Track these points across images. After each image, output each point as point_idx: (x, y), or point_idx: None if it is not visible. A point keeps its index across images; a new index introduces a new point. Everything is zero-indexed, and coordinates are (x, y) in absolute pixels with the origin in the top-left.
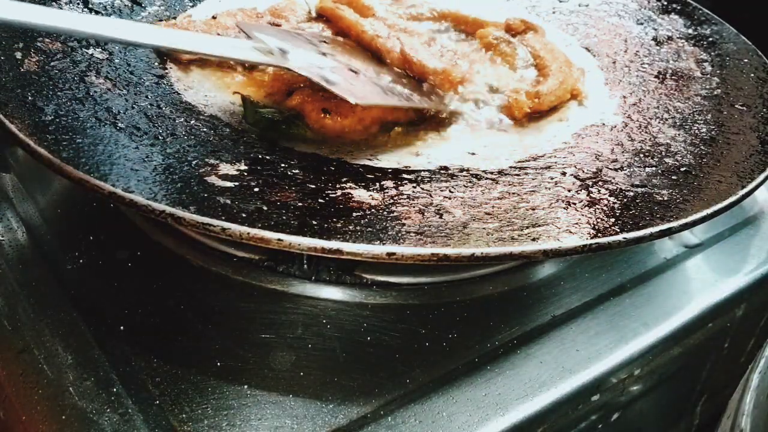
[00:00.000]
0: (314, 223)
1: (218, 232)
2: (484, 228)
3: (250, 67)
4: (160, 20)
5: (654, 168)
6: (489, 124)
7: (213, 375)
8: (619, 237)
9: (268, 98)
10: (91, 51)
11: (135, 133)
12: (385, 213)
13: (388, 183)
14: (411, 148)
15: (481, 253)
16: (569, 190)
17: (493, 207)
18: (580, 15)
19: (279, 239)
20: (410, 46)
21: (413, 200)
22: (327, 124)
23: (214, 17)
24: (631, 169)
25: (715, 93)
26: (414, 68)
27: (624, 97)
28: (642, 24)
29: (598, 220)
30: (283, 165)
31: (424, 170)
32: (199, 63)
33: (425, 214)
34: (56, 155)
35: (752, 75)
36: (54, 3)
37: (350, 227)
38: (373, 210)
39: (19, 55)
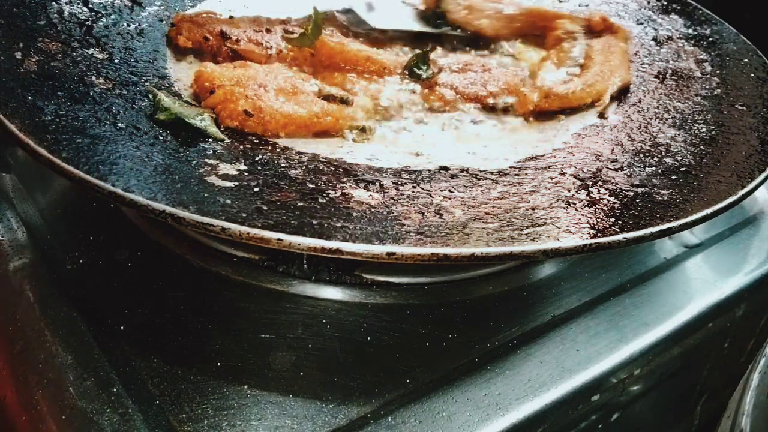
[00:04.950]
0: (314, 223)
1: (218, 232)
2: (484, 228)
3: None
4: (161, 20)
5: (654, 168)
6: (491, 123)
7: (213, 375)
8: (619, 237)
9: (193, 96)
10: (91, 51)
11: (135, 133)
12: (385, 213)
13: (388, 183)
14: (411, 147)
15: (481, 253)
16: (569, 190)
17: (493, 207)
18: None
19: (279, 239)
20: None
21: (413, 200)
22: (249, 125)
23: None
24: (631, 169)
25: (715, 93)
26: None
27: (624, 97)
28: (642, 24)
29: (598, 220)
30: (283, 165)
31: (424, 170)
32: (198, 60)
33: (425, 214)
34: (56, 155)
35: (752, 75)
36: (54, 2)
37: (350, 227)
38: (373, 210)
39: (19, 55)
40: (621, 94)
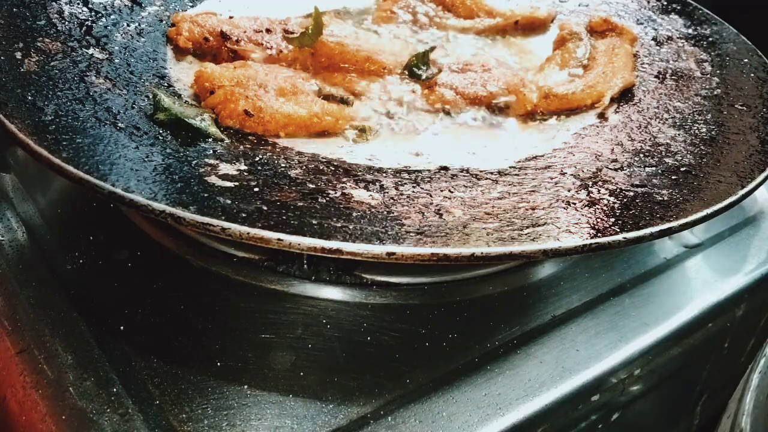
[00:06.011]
0: (314, 223)
1: (218, 232)
2: (484, 228)
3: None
4: (161, 20)
5: (654, 168)
6: (491, 123)
7: (213, 375)
8: (619, 237)
9: (193, 97)
10: (91, 51)
11: (135, 133)
12: (385, 213)
13: (388, 183)
14: (411, 147)
15: (481, 253)
16: (569, 190)
17: (493, 207)
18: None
19: (279, 239)
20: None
21: (413, 200)
22: (249, 125)
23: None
24: (631, 169)
25: (715, 93)
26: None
27: (624, 97)
28: (642, 24)
29: (598, 220)
30: (283, 165)
31: (424, 170)
32: (198, 60)
33: (425, 214)
34: (56, 155)
35: (752, 75)
36: (54, 2)
37: (350, 227)
38: (373, 210)
39: (19, 55)
40: (621, 95)
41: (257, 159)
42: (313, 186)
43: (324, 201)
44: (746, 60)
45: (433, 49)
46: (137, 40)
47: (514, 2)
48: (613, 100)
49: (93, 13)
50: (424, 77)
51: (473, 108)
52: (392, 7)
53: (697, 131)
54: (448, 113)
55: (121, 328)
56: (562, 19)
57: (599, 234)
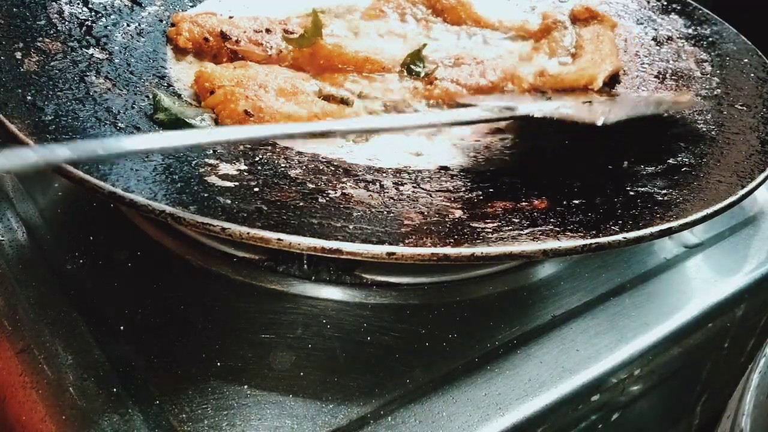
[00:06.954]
0: (314, 223)
1: (218, 232)
2: (484, 228)
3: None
4: (161, 20)
5: (654, 168)
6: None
7: (213, 375)
8: (619, 237)
9: (194, 97)
10: (91, 51)
11: (135, 133)
12: (385, 213)
13: (388, 183)
14: (411, 147)
15: (481, 253)
16: (569, 190)
17: (493, 207)
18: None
19: (279, 239)
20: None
21: (413, 200)
22: (248, 125)
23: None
24: (632, 169)
25: (715, 93)
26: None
27: (617, 85)
28: (642, 24)
29: (598, 220)
30: (283, 165)
31: (424, 170)
32: (198, 60)
33: (425, 214)
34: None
35: (752, 75)
36: (54, 2)
37: (350, 227)
38: (373, 210)
39: (19, 55)
40: (614, 82)
41: (257, 159)
42: (313, 186)
43: (324, 201)
44: (746, 60)
45: (424, 45)
46: (137, 40)
47: (514, 3)
48: (604, 84)
49: (93, 13)
50: (422, 74)
51: (474, 108)
52: (381, 6)
53: (697, 131)
54: (448, 110)
55: (121, 328)
56: (562, 19)
57: (599, 234)
